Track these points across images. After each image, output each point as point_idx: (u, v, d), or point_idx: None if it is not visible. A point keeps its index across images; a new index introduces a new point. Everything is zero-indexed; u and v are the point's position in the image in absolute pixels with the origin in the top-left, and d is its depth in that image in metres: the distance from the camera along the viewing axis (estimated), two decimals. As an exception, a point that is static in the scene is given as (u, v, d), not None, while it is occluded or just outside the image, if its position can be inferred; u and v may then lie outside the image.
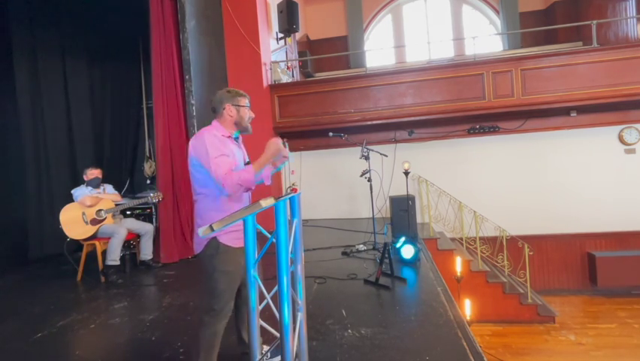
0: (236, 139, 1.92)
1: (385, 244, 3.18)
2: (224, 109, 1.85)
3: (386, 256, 3.13)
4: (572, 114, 5.77)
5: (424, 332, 2.22)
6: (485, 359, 1.90)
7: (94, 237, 3.69)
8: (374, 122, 5.84)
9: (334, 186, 6.51)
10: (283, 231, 1.28)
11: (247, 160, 1.93)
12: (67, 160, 5.11)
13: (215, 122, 1.88)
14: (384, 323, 2.37)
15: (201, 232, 1.24)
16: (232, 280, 1.77)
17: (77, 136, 5.17)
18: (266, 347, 1.88)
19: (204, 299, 1.82)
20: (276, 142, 1.74)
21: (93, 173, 3.90)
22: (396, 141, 6.30)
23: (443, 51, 9.48)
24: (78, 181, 4.69)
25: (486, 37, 9.46)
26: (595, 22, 5.44)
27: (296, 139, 6.52)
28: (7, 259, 4.66)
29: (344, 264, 3.73)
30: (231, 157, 1.77)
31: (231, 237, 1.76)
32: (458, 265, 4.90)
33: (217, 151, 1.72)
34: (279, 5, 6.45)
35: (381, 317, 2.48)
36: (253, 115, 1.93)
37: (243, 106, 1.88)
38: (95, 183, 3.89)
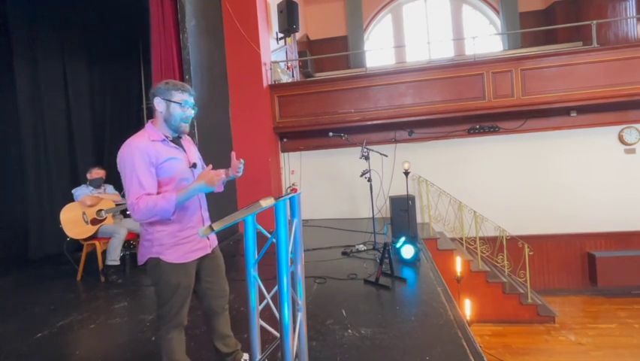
0: (178, 139, 1.70)
1: (385, 244, 3.18)
2: (154, 103, 1.61)
3: (386, 256, 3.13)
4: (572, 114, 5.77)
5: (424, 332, 2.22)
6: (485, 359, 1.90)
7: (94, 237, 3.69)
8: (374, 122, 5.84)
9: (334, 186, 6.51)
10: (283, 231, 1.28)
11: (193, 161, 1.70)
12: (67, 160, 5.11)
13: (147, 125, 1.65)
14: (384, 323, 2.37)
15: (201, 232, 1.23)
16: (180, 292, 1.63)
17: (77, 136, 5.17)
18: (246, 355, 1.85)
19: (156, 308, 1.70)
20: (213, 176, 1.52)
21: (98, 173, 3.92)
22: (396, 141, 6.30)
23: (443, 51, 9.49)
24: (78, 181, 4.70)
25: (486, 37, 9.47)
26: (595, 22, 5.45)
27: (296, 139, 6.53)
28: (7, 259, 4.66)
29: (344, 264, 3.72)
30: (167, 167, 1.58)
31: (177, 255, 1.62)
32: (458, 265, 4.90)
33: (133, 170, 1.50)
34: (279, 5, 6.45)
35: (381, 317, 2.47)
36: (190, 113, 1.66)
37: (175, 101, 1.61)
38: (96, 183, 3.90)
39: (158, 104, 1.62)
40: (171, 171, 1.59)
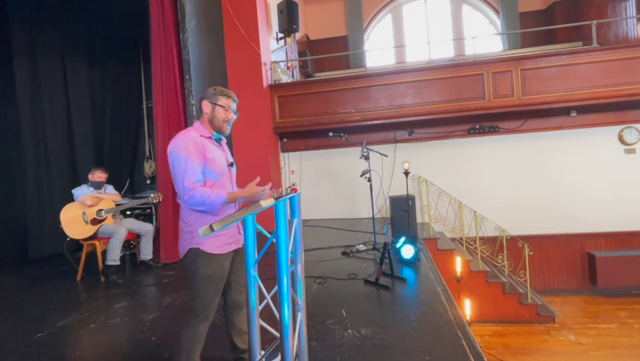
0: (218, 140, 1.86)
1: (385, 244, 3.18)
2: (201, 105, 1.82)
3: (386, 256, 3.13)
4: (572, 114, 5.77)
5: (424, 332, 2.22)
6: (485, 359, 1.90)
7: (94, 237, 3.70)
8: (374, 122, 5.84)
9: (334, 186, 6.51)
10: (283, 231, 1.28)
11: (231, 161, 1.87)
12: (67, 160, 5.11)
13: (195, 123, 1.84)
14: (384, 323, 2.37)
15: (201, 232, 1.23)
16: (213, 283, 1.74)
17: (77, 136, 5.17)
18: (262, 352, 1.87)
19: (188, 300, 1.82)
20: (257, 191, 1.68)
21: (100, 177, 3.92)
22: (396, 141, 6.30)
23: (443, 51, 9.49)
24: (78, 181, 4.70)
25: (486, 37, 9.47)
26: (595, 22, 5.45)
27: (296, 139, 6.53)
28: (7, 259, 4.66)
29: (344, 264, 3.73)
30: (211, 161, 1.73)
31: (215, 245, 1.73)
32: (458, 265, 4.90)
33: (187, 159, 1.66)
34: (279, 5, 6.45)
35: (381, 317, 2.47)
36: (231, 117, 1.84)
37: (220, 105, 1.81)
38: (97, 184, 3.90)
39: (206, 106, 1.81)
40: (214, 166, 1.75)
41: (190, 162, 1.66)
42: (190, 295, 1.77)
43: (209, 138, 1.80)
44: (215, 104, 1.80)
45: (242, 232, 1.88)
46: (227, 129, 1.86)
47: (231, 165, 1.86)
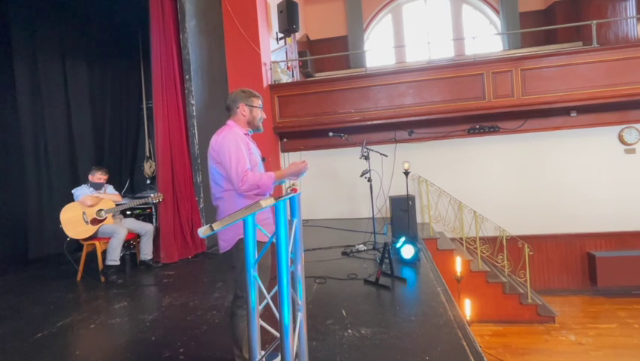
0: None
1: (385, 244, 3.18)
2: (237, 108, 1.93)
3: (386, 256, 3.13)
4: (572, 114, 5.77)
5: (424, 332, 2.22)
6: (485, 359, 1.90)
7: (94, 237, 3.69)
8: (374, 122, 5.84)
9: (334, 186, 6.51)
10: (283, 231, 1.28)
11: (263, 156, 2.01)
12: (67, 160, 5.10)
13: (230, 122, 1.95)
14: (384, 323, 2.37)
15: (201, 232, 1.23)
16: (264, 272, 1.78)
17: (77, 136, 5.17)
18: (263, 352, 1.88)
19: (236, 294, 1.83)
20: (298, 166, 1.87)
21: (100, 178, 3.91)
22: (396, 141, 6.30)
23: (443, 51, 9.48)
24: (78, 181, 4.70)
25: (486, 37, 9.47)
26: (595, 22, 5.45)
27: (296, 139, 6.53)
28: (7, 259, 4.65)
29: (344, 264, 3.73)
30: (252, 154, 1.86)
31: (261, 234, 1.75)
32: (458, 265, 4.90)
33: (238, 149, 1.79)
34: (279, 5, 6.45)
35: (381, 317, 2.47)
36: (265, 115, 2.03)
37: (256, 106, 1.97)
38: (97, 185, 3.90)
39: (244, 109, 1.94)
40: (253, 159, 1.88)
41: (240, 154, 1.80)
42: (240, 289, 1.79)
43: (247, 134, 1.96)
44: (252, 106, 1.95)
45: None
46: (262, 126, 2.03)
47: (264, 159, 2.03)
